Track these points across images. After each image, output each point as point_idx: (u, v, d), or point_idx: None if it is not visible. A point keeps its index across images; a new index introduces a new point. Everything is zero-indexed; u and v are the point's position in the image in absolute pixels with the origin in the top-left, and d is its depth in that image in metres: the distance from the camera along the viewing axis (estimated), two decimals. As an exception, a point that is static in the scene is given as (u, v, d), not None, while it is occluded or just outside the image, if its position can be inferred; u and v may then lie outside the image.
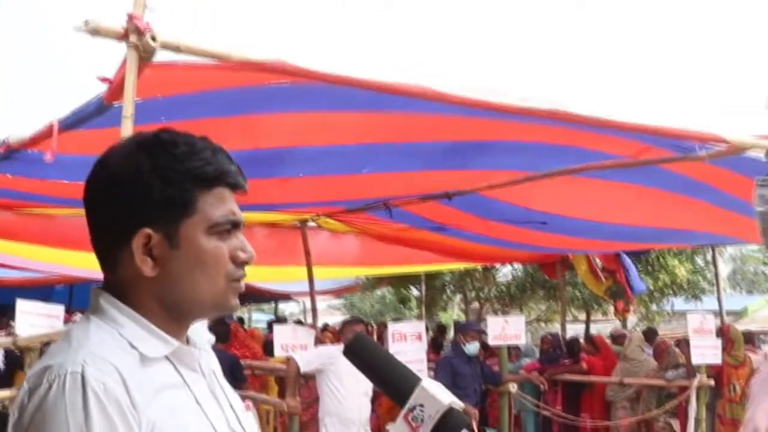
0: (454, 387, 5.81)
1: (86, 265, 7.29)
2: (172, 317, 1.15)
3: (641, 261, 11.90)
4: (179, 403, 1.10)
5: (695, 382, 6.66)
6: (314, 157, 4.49)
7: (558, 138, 4.15)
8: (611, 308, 12.91)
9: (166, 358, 1.13)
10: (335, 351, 5.27)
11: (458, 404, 1.06)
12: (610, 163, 4.50)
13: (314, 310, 7.50)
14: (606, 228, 6.62)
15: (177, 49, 2.59)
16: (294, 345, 5.80)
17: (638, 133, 3.75)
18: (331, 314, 23.51)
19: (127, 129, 2.44)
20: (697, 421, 6.61)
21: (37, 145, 3.42)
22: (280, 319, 13.67)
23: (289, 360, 5.48)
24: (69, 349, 1.05)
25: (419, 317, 12.15)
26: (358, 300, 25.61)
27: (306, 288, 7.41)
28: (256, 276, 8.74)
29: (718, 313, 7.96)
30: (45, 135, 3.22)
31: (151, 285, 1.13)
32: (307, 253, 6.91)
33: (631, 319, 16.19)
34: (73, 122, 3.10)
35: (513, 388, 6.76)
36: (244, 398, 1.30)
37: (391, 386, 1.12)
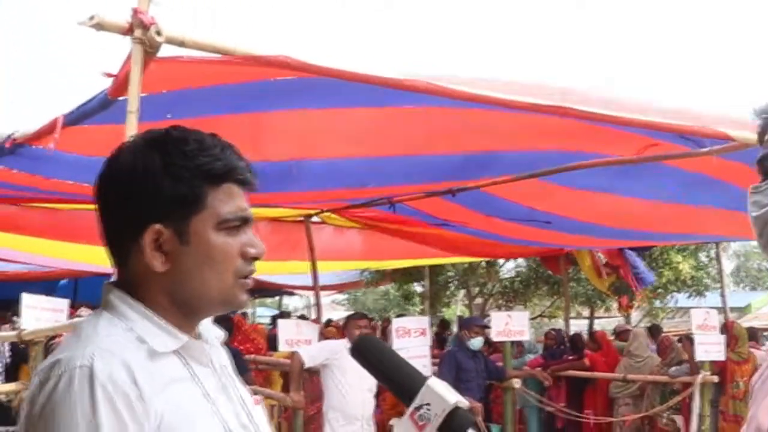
0: (457, 381, 5.81)
1: (91, 259, 7.31)
2: (182, 312, 1.16)
3: (644, 257, 11.87)
4: (187, 397, 1.11)
5: (699, 379, 6.64)
6: (321, 173, 4.51)
7: (566, 142, 4.14)
8: (615, 304, 12.93)
9: (176, 352, 1.13)
10: (339, 346, 5.28)
11: (464, 403, 1.06)
12: (615, 160, 4.49)
13: (318, 305, 7.52)
14: (610, 229, 6.63)
15: (182, 43, 2.59)
16: (298, 340, 5.81)
17: (646, 128, 3.74)
18: (335, 310, 23.52)
19: (131, 124, 2.44)
20: (701, 417, 6.59)
21: (42, 140, 3.42)
22: (284, 314, 13.67)
23: (293, 354, 5.49)
24: (78, 344, 1.07)
25: (423, 313, 12.14)
26: (361, 295, 25.64)
27: (310, 282, 7.42)
28: (260, 271, 8.72)
29: (722, 310, 7.96)
30: (49, 130, 3.23)
31: (162, 280, 1.13)
32: (311, 249, 6.92)
33: (635, 315, 16.18)
34: (78, 117, 3.11)
35: (517, 383, 6.75)
36: (254, 392, 1.31)
37: (397, 385, 1.12)
